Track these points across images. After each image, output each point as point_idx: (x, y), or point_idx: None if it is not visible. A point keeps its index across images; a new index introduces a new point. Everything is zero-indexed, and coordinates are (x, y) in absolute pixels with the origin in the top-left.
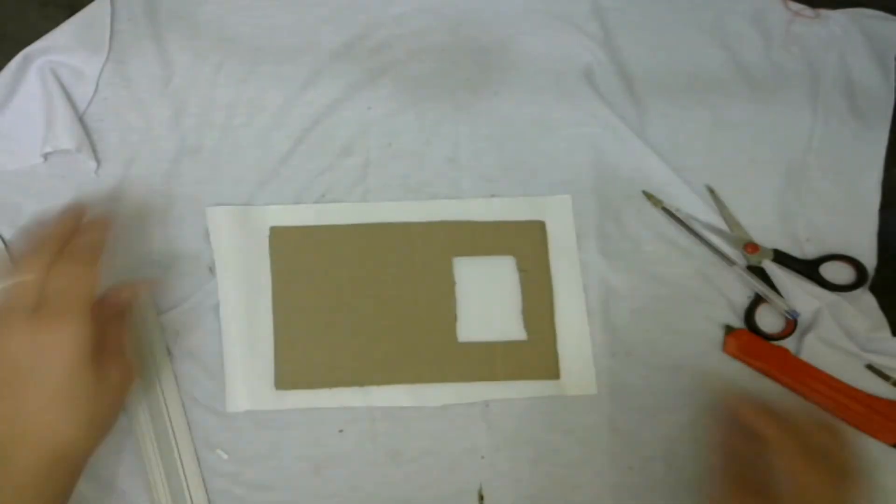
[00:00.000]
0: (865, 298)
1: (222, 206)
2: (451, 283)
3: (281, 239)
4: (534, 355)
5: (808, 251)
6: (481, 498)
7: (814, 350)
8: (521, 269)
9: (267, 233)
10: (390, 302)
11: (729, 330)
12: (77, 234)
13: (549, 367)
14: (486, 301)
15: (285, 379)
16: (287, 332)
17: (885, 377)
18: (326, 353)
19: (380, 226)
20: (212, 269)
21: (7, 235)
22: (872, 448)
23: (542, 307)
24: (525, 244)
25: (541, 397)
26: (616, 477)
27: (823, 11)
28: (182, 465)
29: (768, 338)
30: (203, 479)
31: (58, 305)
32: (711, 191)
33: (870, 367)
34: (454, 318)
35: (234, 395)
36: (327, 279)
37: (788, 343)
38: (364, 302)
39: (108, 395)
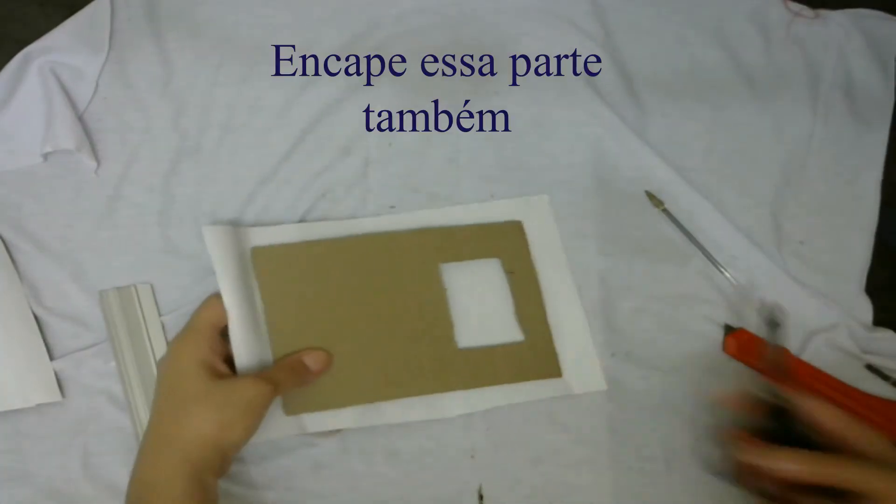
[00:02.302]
0: (865, 298)
1: (216, 226)
2: (441, 290)
3: (264, 259)
4: (532, 354)
5: (806, 251)
6: (481, 498)
7: (814, 350)
8: (508, 271)
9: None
10: (385, 315)
11: (729, 330)
12: None
13: (548, 366)
14: (479, 305)
15: (294, 403)
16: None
17: (885, 377)
18: (331, 372)
19: (363, 238)
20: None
21: (7, 235)
22: None
23: (533, 306)
24: (507, 245)
25: (541, 398)
26: (616, 477)
27: (823, 11)
28: None
29: None
30: None
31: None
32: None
33: (870, 367)
34: (451, 325)
35: None
36: (318, 298)
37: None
38: (359, 318)
39: (236, 406)
